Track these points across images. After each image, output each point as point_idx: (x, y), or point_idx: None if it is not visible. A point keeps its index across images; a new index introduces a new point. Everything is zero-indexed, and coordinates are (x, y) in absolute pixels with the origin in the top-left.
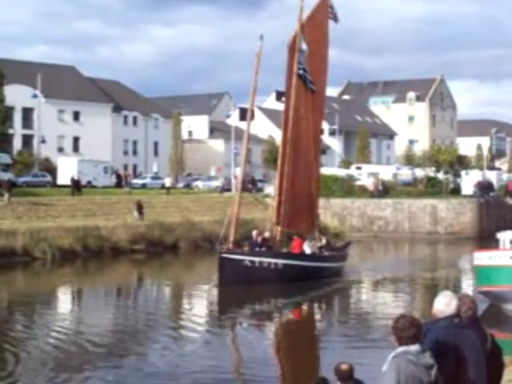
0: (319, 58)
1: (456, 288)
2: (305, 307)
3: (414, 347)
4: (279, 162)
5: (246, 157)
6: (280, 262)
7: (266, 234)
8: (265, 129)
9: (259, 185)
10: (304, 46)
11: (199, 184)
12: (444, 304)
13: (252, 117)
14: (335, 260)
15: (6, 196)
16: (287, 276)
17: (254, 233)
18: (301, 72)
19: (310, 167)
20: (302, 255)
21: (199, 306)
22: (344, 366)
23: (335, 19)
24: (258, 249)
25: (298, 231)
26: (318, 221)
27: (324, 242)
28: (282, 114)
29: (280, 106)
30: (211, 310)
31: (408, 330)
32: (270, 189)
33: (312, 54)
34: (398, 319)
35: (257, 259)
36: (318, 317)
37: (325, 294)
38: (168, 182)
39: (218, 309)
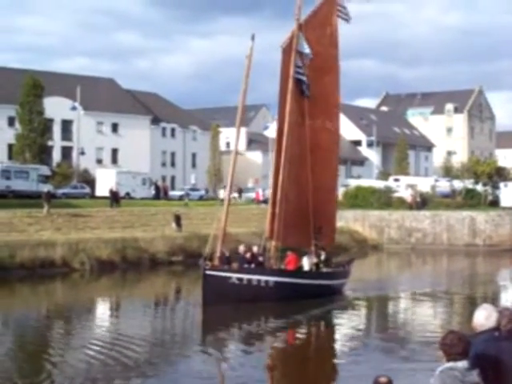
0: (324, 59)
1: (495, 301)
2: (299, 328)
3: (462, 363)
4: (273, 171)
5: (233, 167)
6: (271, 279)
7: (255, 249)
8: None
9: None
10: (307, 50)
11: (236, 195)
12: (484, 317)
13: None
14: (334, 277)
15: (46, 207)
16: (279, 295)
17: (242, 248)
18: (298, 76)
19: (306, 178)
20: (295, 272)
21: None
22: (383, 379)
23: (347, 19)
24: (246, 265)
25: (294, 246)
26: (326, 234)
27: (323, 257)
28: (275, 122)
29: None
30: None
31: (457, 346)
32: None
33: (314, 55)
34: (446, 335)
35: (245, 276)
36: (313, 338)
37: (321, 314)
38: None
39: (202, 330)
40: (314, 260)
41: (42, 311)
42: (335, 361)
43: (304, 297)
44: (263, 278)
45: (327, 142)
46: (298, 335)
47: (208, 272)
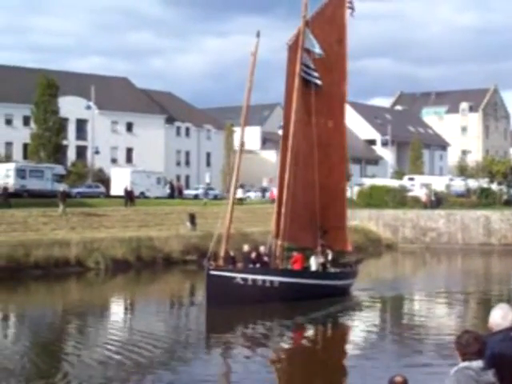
0: (330, 57)
1: (511, 300)
2: (305, 330)
3: (477, 363)
4: (278, 170)
5: (238, 166)
6: (276, 279)
7: (262, 249)
8: None
9: None
10: (317, 49)
11: (251, 195)
12: (500, 317)
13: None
14: (340, 277)
15: (61, 207)
16: (284, 295)
17: (246, 247)
18: (306, 76)
19: (312, 176)
20: (300, 272)
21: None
22: (399, 379)
23: (352, 10)
24: (251, 265)
25: (301, 245)
26: (338, 239)
27: (330, 257)
28: (282, 119)
29: None
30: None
31: (472, 345)
32: None
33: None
34: (461, 335)
35: (250, 277)
36: (321, 340)
37: (328, 315)
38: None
39: (206, 332)
40: (321, 260)
41: (56, 310)
42: (344, 363)
43: (310, 297)
44: (268, 278)
45: (331, 141)
46: (305, 337)
47: (212, 272)
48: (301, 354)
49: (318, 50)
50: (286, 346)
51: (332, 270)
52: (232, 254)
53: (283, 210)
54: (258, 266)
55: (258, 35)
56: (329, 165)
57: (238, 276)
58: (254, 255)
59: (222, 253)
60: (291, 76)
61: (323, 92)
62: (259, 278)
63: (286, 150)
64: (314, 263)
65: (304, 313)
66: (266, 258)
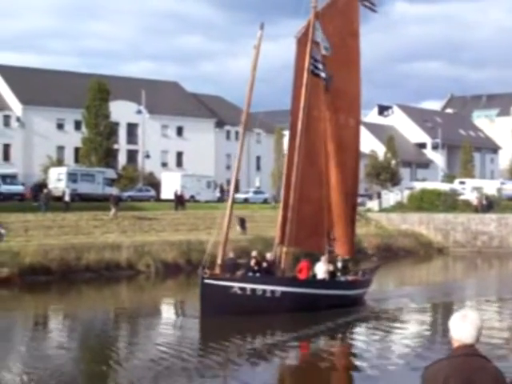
0: (343, 51)
1: None
2: (309, 344)
3: None
4: (285, 171)
5: (238, 167)
6: (278, 289)
7: (268, 256)
8: (367, 143)
9: (360, 199)
10: (325, 43)
11: None
12: None
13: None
14: (351, 287)
15: (113, 210)
16: (287, 306)
17: (254, 253)
18: (316, 70)
19: (324, 176)
20: (305, 281)
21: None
22: None
23: (372, 7)
24: (251, 273)
25: (308, 250)
26: (342, 243)
27: (340, 265)
28: (289, 116)
29: (382, 121)
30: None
31: None
32: (374, 203)
33: (333, 47)
34: None
35: (248, 286)
36: (327, 355)
37: (336, 327)
38: None
39: (200, 347)
40: (330, 268)
41: (107, 314)
42: (352, 379)
43: (316, 308)
44: (269, 287)
45: (349, 140)
46: (309, 352)
47: (206, 281)
48: (304, 371)
49: (324, 43)
50: (288, 361)
51: (342, 278)
52: (233, 258)
53: (289, 215)
54: (258, 274)
55: (261, 27)
56: (342, 166)
57: (236, 285)
58: (253, 262)
59: (218, 260)
60: (299, 70)
61: (338, 88)
62: (259, 287)
63: (293, 148)
64: (319, 270)
65: (308, 325)
66: (264, 264)
